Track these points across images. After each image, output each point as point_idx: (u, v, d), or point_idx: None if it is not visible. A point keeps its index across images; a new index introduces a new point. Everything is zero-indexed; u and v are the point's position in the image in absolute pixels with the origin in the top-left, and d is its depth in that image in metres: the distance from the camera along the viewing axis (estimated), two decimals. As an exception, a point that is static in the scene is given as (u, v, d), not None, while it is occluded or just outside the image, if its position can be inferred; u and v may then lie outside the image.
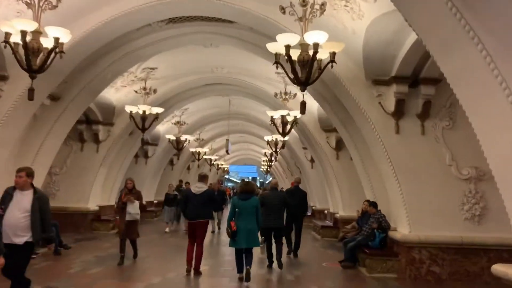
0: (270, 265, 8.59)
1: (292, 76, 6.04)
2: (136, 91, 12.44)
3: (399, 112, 7.93)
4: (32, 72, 6.05)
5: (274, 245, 8.74)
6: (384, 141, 7.96)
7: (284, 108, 12.11)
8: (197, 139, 23.08)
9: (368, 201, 9.54)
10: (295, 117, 11.86)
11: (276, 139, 16.66)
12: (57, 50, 6.01)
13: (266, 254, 8.87)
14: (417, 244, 7.75)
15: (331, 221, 14.60)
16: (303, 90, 6.16)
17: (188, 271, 7.64)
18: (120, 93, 12.70)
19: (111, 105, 13.13)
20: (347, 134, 10.18)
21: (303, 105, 6.33)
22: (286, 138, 15.15)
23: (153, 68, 12.13)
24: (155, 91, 12.40)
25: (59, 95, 9.77)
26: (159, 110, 12.29)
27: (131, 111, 11.85)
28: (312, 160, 18.15)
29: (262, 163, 35.52)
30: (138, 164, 19.40)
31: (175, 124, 18.16)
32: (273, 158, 24.23)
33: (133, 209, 8.25)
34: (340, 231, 13.23)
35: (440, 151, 7.92)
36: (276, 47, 5.88)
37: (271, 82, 12.99)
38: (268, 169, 36.18)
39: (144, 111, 11.98)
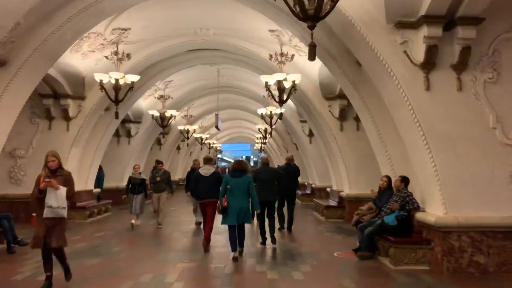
0: (263, 242, 8.58)
1: (297, 9, 4.49)
2: (106, 57, 10.64)
3: (430, 63, 6.23)
4: None
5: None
6: (411, 100, 6.30)
7: (280, 72, 10.44)
8: (185, 115, 21.49)
9: (387, 176, 7.92)
10: (293, 82, 10.23)
11: (271, 112, 15.07)
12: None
13: (259, 230, 8.80)
14: (455, 228, 6.15)
15: (335, 201, 13.05)
16: (311, 27, 4.60)
17: (207, 250, 7.88)
18: (89, 60, 10.87)
19: (79, 75, 11.33)
20: (358, 98, 8.47)
21: (312, 48, 4.70)
22: (283, 109, 13.58)
23: (125, 29, 10.31)
24: (128, 55, 10.68)
25: (5, 58, 7.90)
26: (135, 78, 10.54)
27: (101, 80, 10.10)
28: (310, 134, 16.65)
29: (256, 140, 33.93)
30: (121, 144, 17.86)
31: (158, 98, 16.45)
32: (267, 135, 22.53)
33: (55, 200, 5.23)
34: (346, 211, 11.80)
35: (481, 110, 6.28)
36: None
37: (264, 43, 11.24)
38: (262, 147, 34.64)
39: (116, 80, 10.25)
